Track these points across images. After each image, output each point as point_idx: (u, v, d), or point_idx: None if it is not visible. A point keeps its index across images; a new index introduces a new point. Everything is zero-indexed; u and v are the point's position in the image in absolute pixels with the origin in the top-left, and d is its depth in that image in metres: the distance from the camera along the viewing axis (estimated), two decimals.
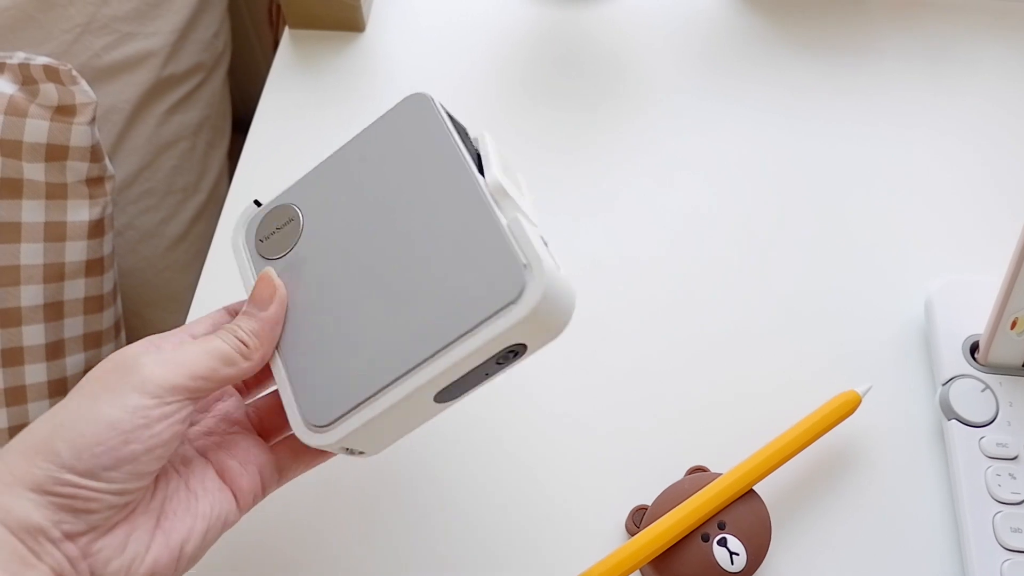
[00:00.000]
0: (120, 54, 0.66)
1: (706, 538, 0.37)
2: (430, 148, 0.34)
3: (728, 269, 0.48)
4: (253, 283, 0.34)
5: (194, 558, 0.31)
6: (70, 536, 0.28)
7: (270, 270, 0.34)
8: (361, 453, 0.33)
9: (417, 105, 0.35)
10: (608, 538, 0.40)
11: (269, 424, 0.36)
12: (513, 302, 0.29)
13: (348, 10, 0.57)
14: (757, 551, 0.38)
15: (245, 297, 0.38)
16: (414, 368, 0.31)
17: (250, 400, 0.37)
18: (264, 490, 0.34)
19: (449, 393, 0.32)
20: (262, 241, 0.36)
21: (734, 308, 0.47)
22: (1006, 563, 0.38)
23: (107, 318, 0.64)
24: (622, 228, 0.50)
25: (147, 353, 0.31)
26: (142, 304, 0.73)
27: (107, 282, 0.62)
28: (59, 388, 0.61)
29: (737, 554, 0.37)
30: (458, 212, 0.32)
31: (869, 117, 0.55)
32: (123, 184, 0.69)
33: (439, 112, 0.35)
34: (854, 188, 0.52)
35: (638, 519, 0.39)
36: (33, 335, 0.58)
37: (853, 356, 0.46)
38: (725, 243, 0.49)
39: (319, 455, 0.36)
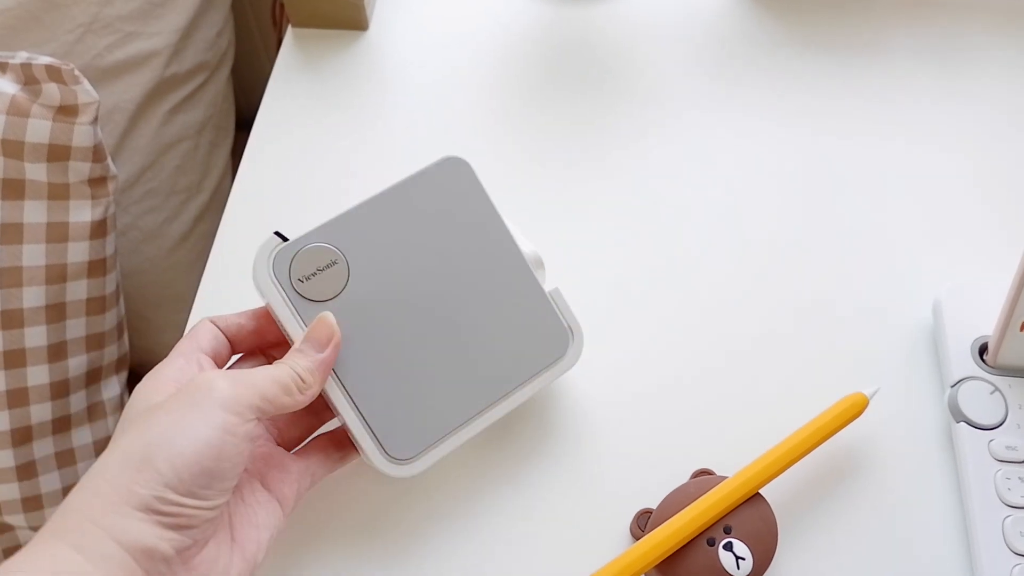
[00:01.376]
0: (123, 54, 0.66)
1: (712, 542, 0.37)
2: (473, 214, 0.39)
3: (734, 272, 0.48)
4: (295, 321, 0.36)
5: (257, 566, 0.34)
6: (180, 552, 0.30)
7: (330, 315, 0.36)
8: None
9: (456, 168, 0.40)
10: (613, 542, 0.40)
11: (288, 436, 0.39)
12: (560, 358, 0.40)
13: (351, 9, 0.57)
14: (763, 556, 0.37)
15: (249, 305, 0.39)
16: (484, 409, 0.38)
17: None
18: (301, 495, 0.36)
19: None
20: (302, 281, 0.37)
21: (740, 311, 0.47)
22: (1016, 567, 0.38)
23: (109, 319, 0.63)
24: (627, 231, 0.50)
25: (219, 376, 0.32)
26: (145, 305, 0.73)
27: (109, 283, 0.62)
28: (61, 390, 0.61)
29: (743, 559, 0.37)
30: (506, 277, 0.39)
31: (877, 117, 0.54)
32: (126, 184, 0.68)
33: (478, 179, 0.40)
34: (862, 189, 0.51)
35: (643, 523, 0.39)
36: (35, 337, 0.58)
37: (861, 358, 0.45)
38: (731, 246, 0.49)
39: (342, 461, 0.39)
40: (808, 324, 0.46)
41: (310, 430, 0.39)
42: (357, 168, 0.52)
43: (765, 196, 0.51)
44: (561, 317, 0.40)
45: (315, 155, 0.52)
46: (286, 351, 0.36)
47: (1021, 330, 0.41)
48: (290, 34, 0.58)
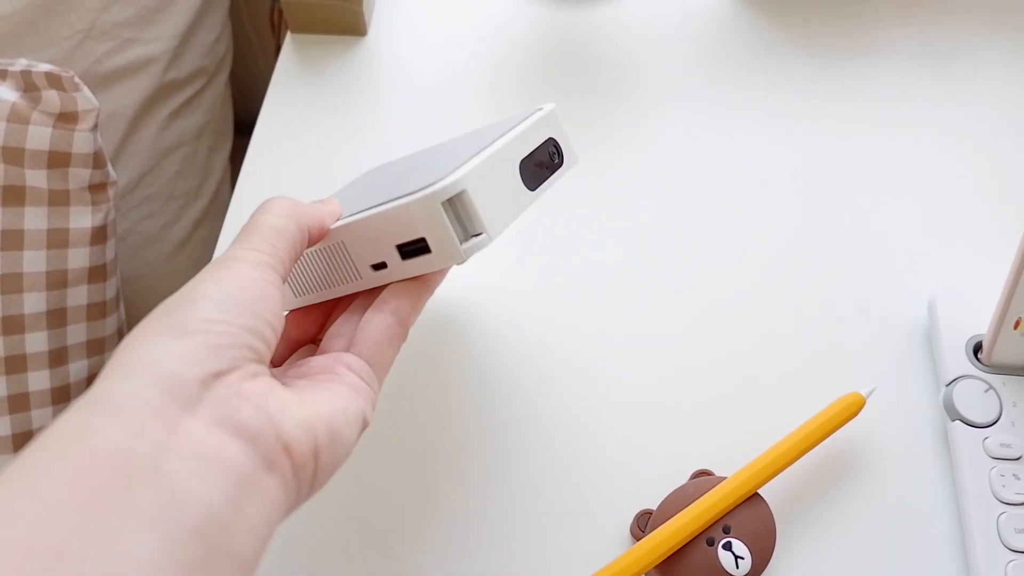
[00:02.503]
0: (121, 60, 0.66)
1: (711, 542, 0.37)
2: None
3: (731, 273, 0.48)
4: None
5: (344, 441, 0.29)
6: (216, 375, 0.25)
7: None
8: (478, 235, 0.32)
9: None
10: (613, 543, 0.40)
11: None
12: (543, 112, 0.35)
13: (350, 14, 0.57)
14: (762, 555, 0.38)
15: None
16: (499, 137, 0.33)
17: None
18: (368, 384, 0.32)
19: (529, 175, 0.34)
20: None
21: (737, 311, 0.47)
22: (1011, 564, 0.38)
23: (110, 324, 0.64)
24: (625, 232, 0.50)
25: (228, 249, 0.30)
26: (145, 309, 0.73)
27: (110, 288, 0.63)
28: (62, 395, 0.61)
29: (742, 558, 0.37)
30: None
31: (872, 117, 0.55)
32: (125, 189, 0.69)
33: None
34: (859, 189, 0.52)
35: (643, 523, 0.39)
36: (36, 342, 0.58)
37: (857, 358, 0.46)
38: (728, 247, 0.49)
39: (399, 325, 0.33)
40: (805, 324, 0.47)
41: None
42: (357, 173, 0.52)
43: (762, 197, 0.51)
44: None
45: (316, 160, 0.53)
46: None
47: (1015, 328, 0.42)
48: (288, 40, 0.58)
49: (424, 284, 0.35)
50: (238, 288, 0.28)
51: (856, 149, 0.53)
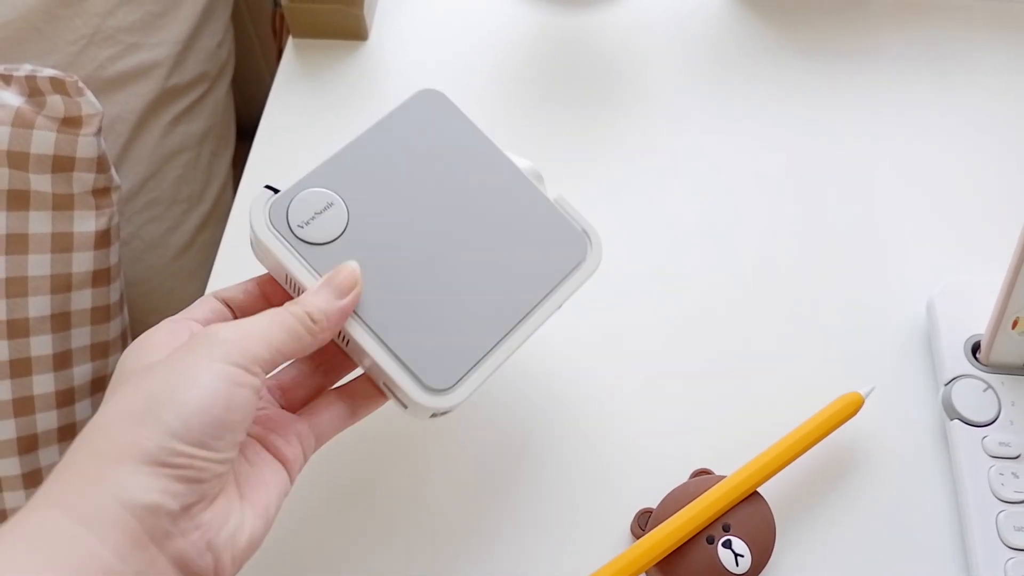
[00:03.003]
0: (125, 65, 0.67)
1: (711, 540, 0.38)
2: (460, 139, 0.39)
3: (730, 273, 0.49)
4: (302, 267, 0.35)
5: (270, 526, 0.32)
6: (186, 508, 0.28)
7: (355, 264, 0.35)
8: (445, 413, 0.35)
9: (433, 100, 0.39)
10: (614, 541, 0.41)
11: (293, 397, 0.37)
12: (581, 262, 0.38)
13: (351, 19, 0.57)
14: (762, 553, 0.38)
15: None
16: (517, 324, 0.36)
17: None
18: (306, 456, 0.34)
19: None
20: (302, 227, 0.36)
21: (737, 312, 0.47)
22: (1010, 561, 0.38)
23: (114, 328, 0.64)
24: (627, 235, 0.50)
25: (222, 328, 0.30)
26: (148, 313, 0.74)
27: (114, 292, 0.63)
28: (66, 398, 0.61)
29: (742, 556, 0.37)
30: (508, 192, 0.38)
31: (870, 119, 0.55)
32: (128, 194, 0.69)
33: (456, 107, 0.39)
34: (855, 190, 0.52)
35: (643, 522, 0.40)
36: (40, 345, 0.59)
37: (857, 358, 0.46)
38: (728, 248, 0.50)
39: (352, 418, 0.36)
40: (804, 324, 0.47)
41: (318, 390, 0.37)
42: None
43: (760, 199, 0.52)
44: (573, 222, 0.38)
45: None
46: None
47: (1013, 328, 0.42)
48: (290, 45, 0.59)
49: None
50: (213, 403, 0.28)
51: (854, 151, 0.54)
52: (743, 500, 0.39)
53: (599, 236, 0.39)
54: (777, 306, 0.48)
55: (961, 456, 0.41)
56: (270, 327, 0.31)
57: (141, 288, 0.72)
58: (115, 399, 0.29)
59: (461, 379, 0.35)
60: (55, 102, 0.55)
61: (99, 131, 0.57)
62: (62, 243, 0.58)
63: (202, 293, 0.48)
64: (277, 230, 0.36)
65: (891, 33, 0.59)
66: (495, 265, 0.37)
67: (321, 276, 0.35)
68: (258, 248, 0.36)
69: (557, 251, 0.38)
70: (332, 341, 0.36)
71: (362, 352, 0.35)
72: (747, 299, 0.48)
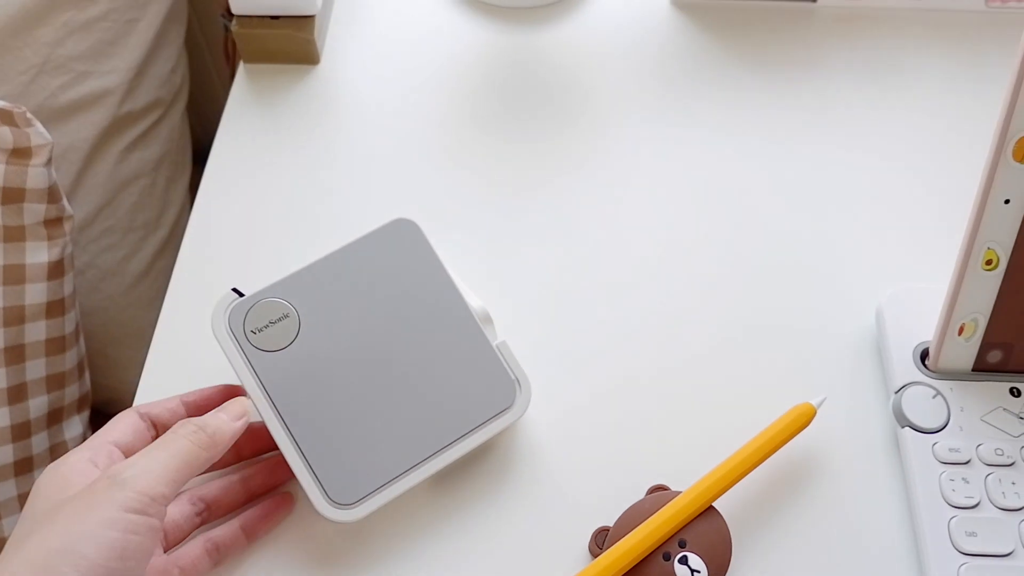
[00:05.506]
0: (76, 93, 0.66)
1: (667, 557, 0.38)
2: (422, 272, 0.42)
3: (680, 288, 0.49)
4: (246, 369, 0.39)
5: None
6: None
7: (247, 401, 0.38)
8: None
9: (405, 229, 0.43)
10: (572, 560, 0.41)
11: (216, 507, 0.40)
12: (507, 408, 0.41)
13: (302, 44, 0.57)
14: (718, 567, 0.38)
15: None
16: (428, 457, 0.39)
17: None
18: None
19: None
20: (255, 333, 0.40)
21: (689, 326, 0.48)
22: (963, 567, 0.39)
23: (70, 359, 0.63)
24: (578, 249, 0.51)
25: (122, 468, 0.32)
26: (107, 342, 0.73)
27: (68, 323, 0.62)
28: (23, 432, 0.61)
29: (698, 571, 0.37)
30: (454, 331, 0.41)
31: (817, 129, 0.56)
32: (83, 223, 0.68)
33: (426, 240, 0.43)
34: (804, 200, 0.53)
35: (601, 540, 0.40)
36: None
37: (810, 369, 0.46)
38: (678, 262, 0.50)
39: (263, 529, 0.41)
40: (756, 335, 0.47)
41: (237, 504, 0.41)
42: (312, 201, 0.52)
43: (709, 211, 0.52)
44: (508, 369, 0.42)
45: (270, 190, 0.53)
46: None
47: (959, 334, 0.43)
48: (241, 70, 0.59)
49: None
50: (109, 556, 0.30)
51: (802, 161, 0.54)
52: (698, 515, 0.39)
53: (530, 386, 0.41)
54: (728, 318, 0.48)
55: (912, 463, 0.41)
56: (169, 460, 0.33)
57: (99, 317, 0.71)
58: (23, 548, 0.30)
59: (363, 499, 0.38)
60: (3, 133, 0.55)
61: (49, 161, 0.57)
62: (14, 275, 0.57)
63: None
64: (233, 333, 0.40)
65: (834, 43, 0.60)
66: (425, 398, 0.40)
67: (262, 380, 0.39)
68: (217, 341, 0.40)
69: (486, 394, 0.41)
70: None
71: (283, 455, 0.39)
72: (699, 312, 0.48)
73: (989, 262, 0.41)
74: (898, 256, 0.50)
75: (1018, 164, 0.38)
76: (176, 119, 0.76)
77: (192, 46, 0.83)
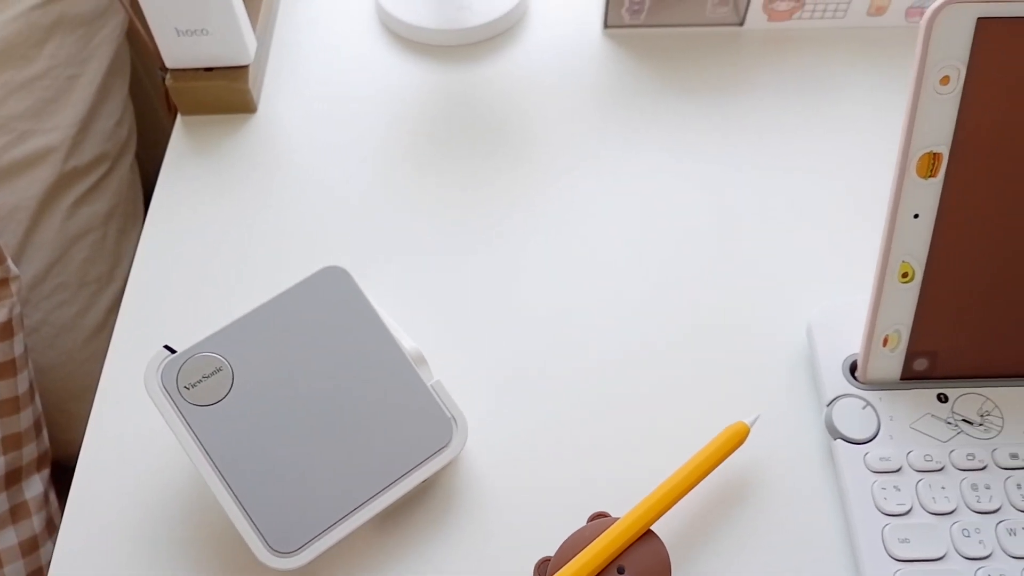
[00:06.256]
0: (20, 152, 0.67)
1: None
2: (354, 318, 0.43)
3: (619, 314, 0.50)
4: (181, 425, 0.40)
5: None
6: None
7: None
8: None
9: (335, 277, 0.44)
10: None
11: None
12: (444, 447, 0.41)
13: (238, 94, 0.58)
14: None
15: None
16: (368, 500, 0.40)
17: None
18: None
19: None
20: (188, 388, 0.41)
21: (626, 353, 0.49)
22: (897, 573, 0.40)
23: (25, 418, 0.63)
24: (513, 285, 0.51)
25: None
26: (66, 398, 0.73)
27: (21, 383, 0.62)
28: None
29: None
30: (388, 375, 0.42)
31: (748, 150, 0.57)
32: (34, 281, 0.69)
33: (357, 286, 0.44)
34: (740, 221, 0.54)
35: (543, 570, 0.40)
36: None
37: (747, 387, 0.47)
38: (614, 290, 0.51)
39: None
40: (693, 357, 0.48)
41: None
42: (252, 250, 0.53)
43: (645, 236, 0.53)
44: (444, 408, 0.42)
45: (210, 241, 0.53)
46: None
47: (884, 346, 0.44)
48: (179, 122, 0.59)
49: None
50: None
51: (736, 181, 0.56)
52: (637, 540, 0.40)
53: (466, 423, 0.42)
54: (665, 341, 0.49)
55: (845, 474, 0.42)
56: None
57: (56, 374, 0.71)
58: None
59: (304, 546, 0.39)
60: None
61: None
62: None
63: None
64: (166, 390, 0.40)
65: (763, 65, 0.62)
66: (361, 442, 0.41)
67: (197, 434, 0.40)
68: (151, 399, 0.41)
69: (423, 434, 0.41)
70: None
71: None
72: (635, 337, 0.49)
73: (905, 275, 0.42)
74: (829, 271, 0.51)
75: (922, 180, 0.40)
76: (124, 171, 0.76)
77: (140, 96, 0.83)
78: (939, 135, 0.39)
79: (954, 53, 0.37)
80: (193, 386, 0.41)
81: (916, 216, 0.41)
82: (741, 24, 0.64)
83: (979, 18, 0.37)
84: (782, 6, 0.63)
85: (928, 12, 0.37)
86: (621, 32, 0.64)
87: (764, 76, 0.61)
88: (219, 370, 0.41)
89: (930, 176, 0.40)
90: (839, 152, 0.57)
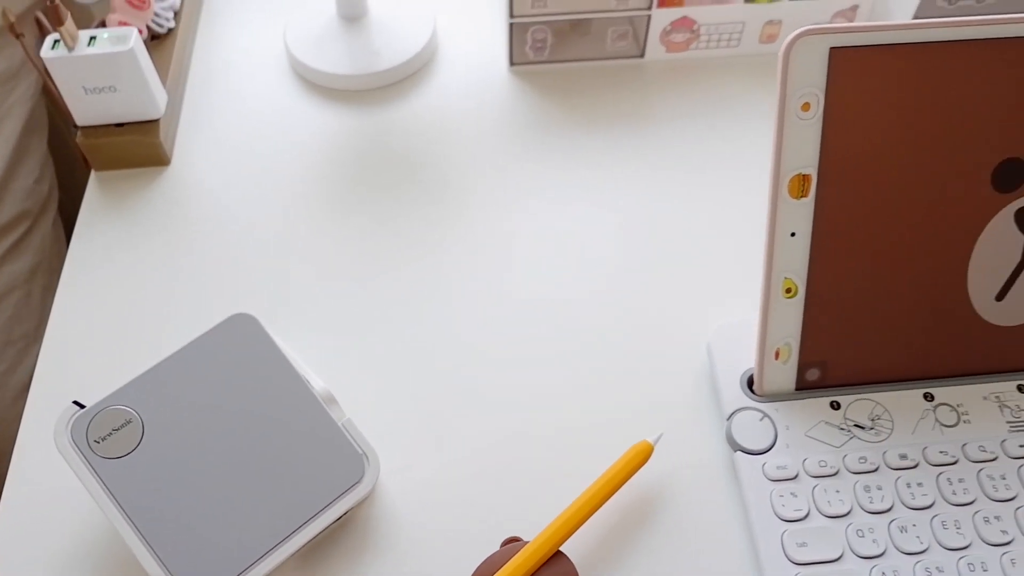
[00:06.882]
0: None
1: None
2: (262, 363, 0.44)
3: (522, 336, 0.52)
4: (92, 479, 0.40)
5: None
6: None
7: None
8: None
9: (243, 323, 0.45)
10: None
11: None
12: (357, 483, 0.42)
13: (149, 147, 0.59)
14: None
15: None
16: (284, 540, 0.41)
17: None
18: None
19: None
20: (98, 442, 0.41)
21: (537, 376, 0.50)
22: None
23: None
24: (424, 322, 0.53)
25: None
26: None
27: None
28: None
29: None
30: (298, 416, 0.43)
31: (653, 177, 0.59)
32: None
33: (265, 331, 0.45)
34: (642, 247, 0.56)
35: None
36: None
37: (654, 407, 0.49)
38: (522, 318, 0.53)
39: None
40: (601, 381, 0.50)
41: None
42: (166, 302, 0.54)
43: (554, 263, 0.55)
44: (355, 445, 0.43)
45: (126, 293, 0.54)
46: None
47: (776, 359, 0.46)
48: (93, 177, 0.60)
49: None
50: None
51: (638, 210, 0.58)
52: (547, 562, 0.41)
53: (378, 458, 0.43)
54: (573, 365, 0.51)
55: (745, 484, 0.44)
56: None
57: None
58: None
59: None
60: None
61: None
62: None
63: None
64: (76, 445, 0.41)
65: (664, 95, 0.64)
66: (275, 483, 0.42)
67: (108, 487, 0.40)
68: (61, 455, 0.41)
69: (336, 471, 0.42)
70: None
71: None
72: (543, 364, 0.51)
73: (788, 290, 0.44)
74: (729, 291, 0.53)
75: (795, 200, 0.42)
76: (47, 228, 0.76)
77: (62, 151, 0.84)
78: (806, 158, 0.41)
79: (812, 81, 0.40)
80: (103, 439, 0.41)
81: (793, 234, 0.43)
82: (641, 56, 0.67)
83: (831, 48, 0.39)
84: (679, 37, 0.66)
85: (784, 43, 0.39)
86: (527, 69, 0.67)
87: (665, 105, 0.64)
88: (128, 422, 0.42)
89: (802, 196, 0.42)
90: (737, 175, 0.60)
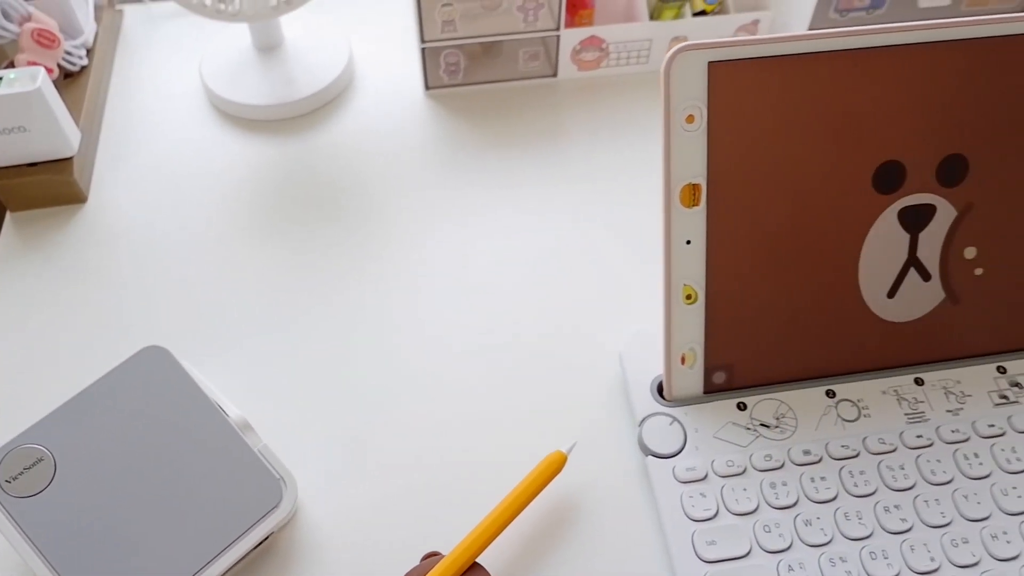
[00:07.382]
0: None
1: None
2: (175, 394, 0.44)
3: (446, 356, 0.52)
4: (4, 519, 0.40)
5: None
6: None
7: None
8: None
9: (154, 356, 0.46)
10: None
11: None
12: (275, 507, 0.43)
13: (64, 186, 0.59)
14: None
15: None
16: (204, 567, 0.41)
17: None
18: None
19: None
20: (9, 482, 0.41)
21: (452, 392, 0.51)
22: (706, 574, 0.42)
23: None
24: (342, 345, 0.53)
25: None
26: None
27: None
28: None
29: None
30: (214, 443, 0.43)
31: (567, 192, 0.61)
32: None
33: (177, 362, 0.45)
34: (557, 262, 0.57)
35: None
36: None
37: (568, 417, 0.50)
38: (438, 336, 0.54)
39: None
40: (519, 393, 0.51)
41: None
42: (84, 340, 0.54)
43: (470, 283, 0.56)
44: (272, 470, 0.44)
45: (46, 331, 0.54)
46: None
47: (683, 364, 0.47)
48: (9, 219, 0.60)
49: None
50: None
51: (553, 225, 0.59)
52: (464, 574, 0.42)
53: (295, 482, 0.44)
54: (489, 382, 0.51)
55: (657, 487, 0.45)
56: None
57: None
58: None
59: None
60: None
61: None
62: None
63: None
64: None
65: (576, 112, 0.66)
66: (192, 512, 0.42)
67: (21, 526, 0.40)
68: None
69: (253, 497, 0.43)
70: None
71: None
72: (462, 377, 0.52)
73: (688, 297, 0.46)
74: (642, 301, 0.55)
75: (687, 209, 0.43)
76: None
77: None
78: (695, 168, 0.43)
79: (694, 94, 0.41)
80: (14, 479, 0.41)
81: (688, 242, 0.44)
82: (555, 75, 0.68)
83: (710, 62, 0.41)
84: (589, 56, 0.67)
85: (665, 58, 0.41)
86: (442, 92, 0.68)
87: (577, 122, 0.66)
88: (40, 460, 0.42)
89: (694, 205, 0.44)
90: (648, 187, 0.61)
